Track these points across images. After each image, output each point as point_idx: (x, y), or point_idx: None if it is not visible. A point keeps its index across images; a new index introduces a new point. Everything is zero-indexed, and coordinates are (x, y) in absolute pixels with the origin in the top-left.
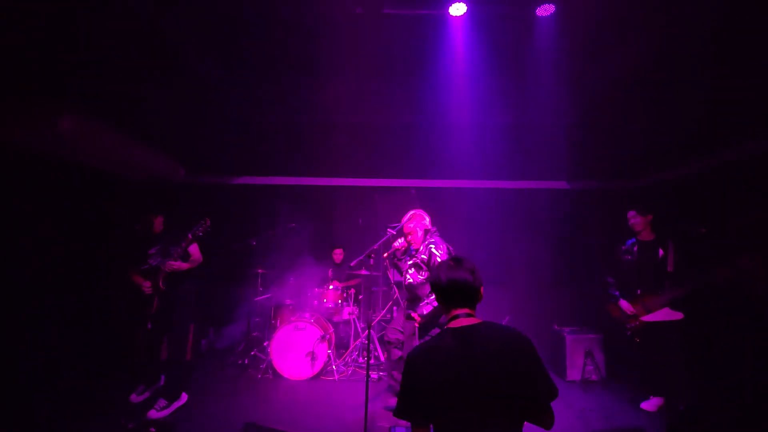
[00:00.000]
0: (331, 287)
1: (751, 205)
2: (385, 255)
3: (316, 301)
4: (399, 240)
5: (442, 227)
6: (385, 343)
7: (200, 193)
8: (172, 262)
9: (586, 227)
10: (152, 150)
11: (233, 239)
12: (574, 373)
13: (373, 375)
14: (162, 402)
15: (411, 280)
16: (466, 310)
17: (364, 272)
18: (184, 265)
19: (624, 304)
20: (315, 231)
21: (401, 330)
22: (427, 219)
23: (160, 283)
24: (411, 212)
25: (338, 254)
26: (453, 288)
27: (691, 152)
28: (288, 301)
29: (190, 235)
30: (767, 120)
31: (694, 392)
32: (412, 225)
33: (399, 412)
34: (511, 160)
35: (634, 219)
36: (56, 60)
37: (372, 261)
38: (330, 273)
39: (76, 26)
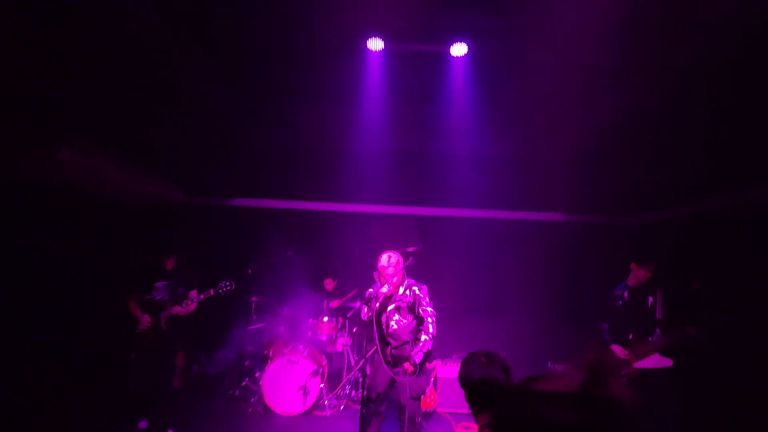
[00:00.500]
0: (325, 319)
1: (745, 252)
2: (364, 304)
3: (310, 333)
4: (384, 286)
5: (438, 257)
6: (368, 401)
7: (199, 215)
8: (179, 308)
9: (583, 262)
10: (152, 174)
11: (230, 264)
12: None
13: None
14: None
15: (396, 327)
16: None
17: (357, 304)
18: (188, 311)
19: (616, 348)
20: (311, 260)
21: (381, 385)
22: (402, 260)
23: (162, 323)
24: (389, 253)
25: (329, 284)
26: (494, 391)
27: (685, 196)
28: (281, 332)
29: (212, 291)
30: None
31: None
32: (393, 270)
33: None
34: (508, 191)
35: (645, 272)
36: (57, 89)
37: (358, 305)
38: (324, 304)
39: (76, 54)
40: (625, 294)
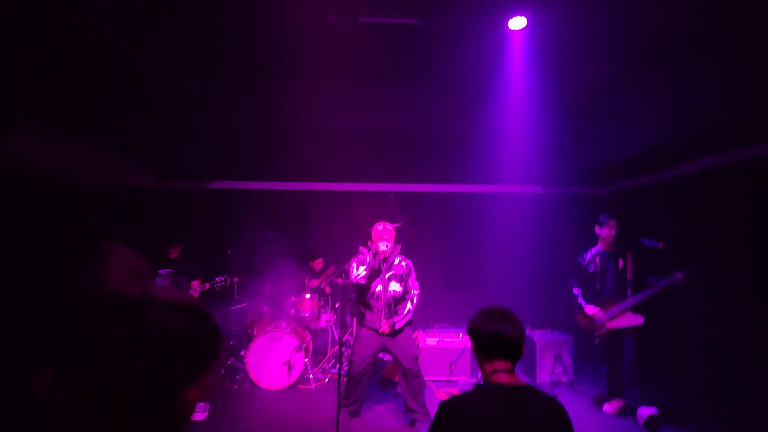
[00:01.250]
0: (308, 296)
1: (711, 214)
2: (371, 257)
3: (293, 310)
4: (384, 244)
5: (418, 231)
6: (351, 377)
7: (175, 200)
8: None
9: (560, 232)
10: (122, 158)
11: (209, 246)
12: (543, 376)
13: None
14: None
15: (388, 294)
16: (507, 365)
17: (340, 281)
18: None
19: (590, 309)
20: (292, 238)
21: (366, 360)
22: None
23: None
24: (383, 222)
25: (318, 264)
26: (498, 341)
27: (659, 163)
28: (265, 310)
29: (207, 285)
30: (732, 133)
31: (652, 394)
32: (387, 236)
33: None
34: (486, 164)
35: (609, 236)
36: (11, 71)
37: (341, 280)
38: (306, 281)
39: (32, 35)
40: (597, 259)
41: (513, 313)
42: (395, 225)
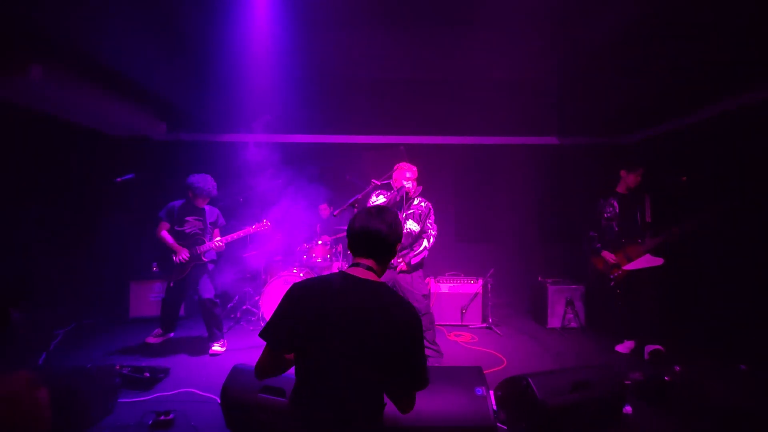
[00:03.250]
0: (320, 242)
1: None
2: (396, 190)
3: (305, 256)
4: (408, 182)
5: (431, 184)
6: None
7: (183, 149)
8: (217, 244)
9: (573, 182)
10: (132, 104)
11: (220, 195)
12: (554, 321)
13: None
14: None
15: (409, 230)
16: (370, 263)
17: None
18: (220, 248)
19: (607, 254)
20: (303, 187)
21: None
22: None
23: (203, 256)
24: (406, 164)
25: (324, 209)
26: (363, 235)
27: (676, 109)
28: (277, 257)
29: (236, 235)
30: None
31: (667, 335)
32: (411, 174)
33: (262, 332)
34: (500, 116)
35: (633, 182)
36: (27, 4)
37: (356, 210)
38: (318, 228)
39: None
40: (615, 203)
41: (395, 214)
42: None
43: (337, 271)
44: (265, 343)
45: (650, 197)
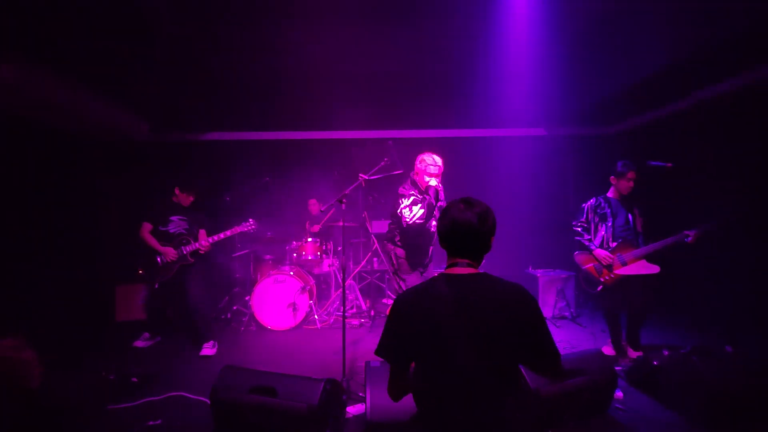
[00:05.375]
0: (309, 240)
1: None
2: (425, 191)
3: (295, 255)
4: (433, 178)
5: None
6: None
7: (167, 149)
8: (204, 243)
9: (564, 174)
10: (112, 105)
11: (205, 196)
12: (546, 311)
13: (355, 321)
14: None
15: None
16: (467, 261)
17: (339, 224)
18: (207, 248)
19: (600, 252)
20: (291, 184)
21: None
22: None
23: (189, 256)
24: (429, 154)
25: (313, 205)
26: (456, 232)
27: (667, 94)
28: (267, 256)
29: (222, 235)
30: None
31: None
32: (437, 170)
33: (380, 350)
34: (487, 108)
35: (626, 183)
36: None
37: (344, 206)
38: (307, 225)
39: None
40: (607, 205)
41: (484, 205)
42: (397, 172)
43: (437, 277)
44: None
45: (638, 209)
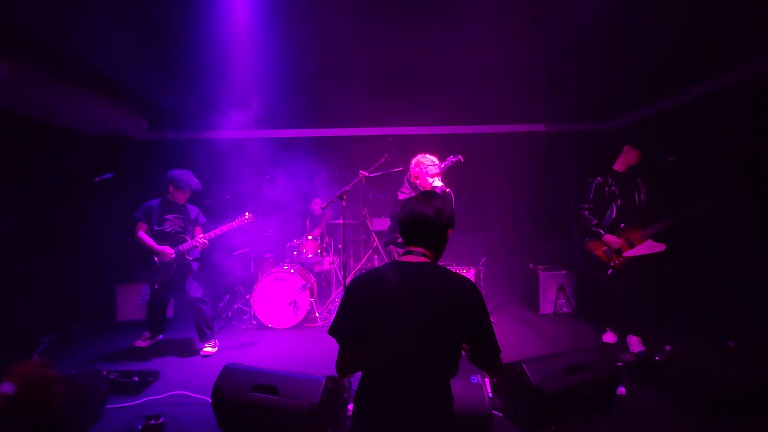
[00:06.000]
0: (309, 237)
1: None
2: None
3: (295, 252)
4: (434, 179)
5: None
6: None
7: (166, 147)
8: (202, 241)
9: (563, 169)
10: (111, 102)
11: (205, 194)
12: (546, 307)
13: None
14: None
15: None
16: (421, 249)
17: (339, 221)
18: (204, 245)
19: (610, 238)
20: (291, 182)
21: None
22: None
23: (186, 254)
24: (425, 155)
25: (317, 204)
26: (411, 222)
27: (664, 88)
28: (267, 255)
29: (219, 231)
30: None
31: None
32: (436, 170)
33: (331, 329)
34: (487, 104)
35: (636, 159)
36: None
37: (344, 202)
38: (308, 223)
39: None
40: (613, 182)
41: (443, 198)
42: (397, 168)
43: (388, 263)
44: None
45: (642, 181)
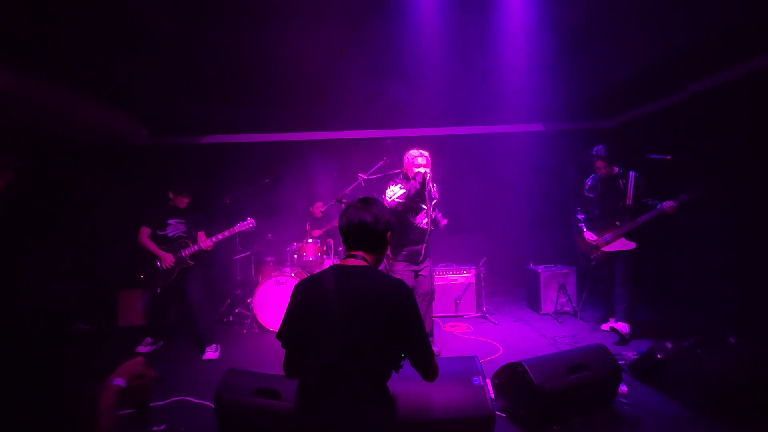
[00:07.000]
0: (310, 240)
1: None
2: (413, 177)
3: (296, 256)
4: (422, 168)
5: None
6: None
7: (166, 153)
8: (206, 243)
9: (563, 169)
10: (109, 109)
11: (205, 198)
12: (548, 306)
13: None
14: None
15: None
16: (361, 253)
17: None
18: (209, 248)
19: (588, 235)
20: (290, 186)
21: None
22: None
23: (188, 259)
24: (416, 149)
25: (318, 207)
26: (350, 228)
27: (661, 86)
28: (268, 258)
29: (222, 235)
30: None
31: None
32: (425, 161)
33: (278, 333)
34: (485, 105)
35: (603, 168)
36: None
37: (344, 205)
38: (308, 226)
39: None
40: (598, 185)
41: (381, 204)
42: (396, 171)
43: (329, 267)
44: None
45: (633, 179)
